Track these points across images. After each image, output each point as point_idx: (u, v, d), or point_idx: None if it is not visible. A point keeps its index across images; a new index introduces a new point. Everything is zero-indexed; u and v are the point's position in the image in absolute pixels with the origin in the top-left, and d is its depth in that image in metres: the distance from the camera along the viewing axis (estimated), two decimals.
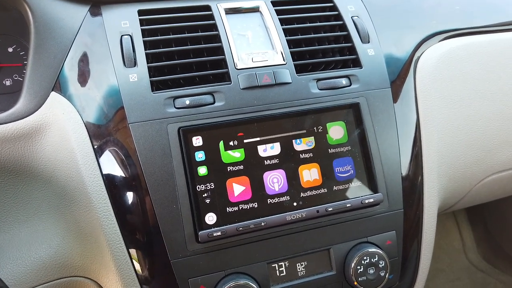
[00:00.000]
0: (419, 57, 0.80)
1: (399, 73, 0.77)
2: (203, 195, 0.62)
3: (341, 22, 0.78)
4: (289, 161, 0.66)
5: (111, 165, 0.62)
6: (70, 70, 0.65)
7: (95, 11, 0.69)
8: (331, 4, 0.80)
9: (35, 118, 0.61)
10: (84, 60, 0.65)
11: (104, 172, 0.61)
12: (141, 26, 0.69)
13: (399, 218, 0.71)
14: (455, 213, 1.61)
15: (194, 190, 0.61)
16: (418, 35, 0.83)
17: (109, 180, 0.61)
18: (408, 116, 0.75)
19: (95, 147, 0.62)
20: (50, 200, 0.64)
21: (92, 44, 0.66)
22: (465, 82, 0.81)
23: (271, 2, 0.77)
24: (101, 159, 0.62)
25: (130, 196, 0.61)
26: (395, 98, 0.75)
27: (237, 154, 0.64)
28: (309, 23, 0.78)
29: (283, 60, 0.71)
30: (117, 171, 0.61)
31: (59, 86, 0.64)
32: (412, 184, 0.73)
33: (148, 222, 0.61)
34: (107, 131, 0.62)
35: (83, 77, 0.64)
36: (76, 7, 0.68)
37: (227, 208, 0.62)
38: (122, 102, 0.62)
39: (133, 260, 0.62)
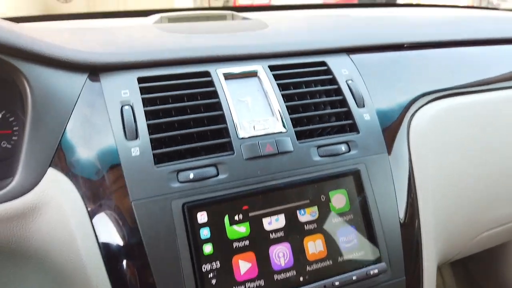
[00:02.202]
0: (410, 120, 0.83)
1: (394, 136, 0.79)
2: (209, 276, 0.59)
3: (336, 86, 0.79)
4: (294, 233, 0.65)
5: (112, 247, 0.59)
6: (69, 145, 0.62)
7: (93, 79, 0.67)
8: (325, 68, 0.82)
9: (31, 197, 0.58)
10: (83, 133, 0.63)
11: (104, 254, 0.58)
12: (141, 94, 0.67)
13: (401, 286, 0.71)
14: None
15: (200, 270, 0.59)
16: (407, 96, 0.86)
17: (110, 262, 0.58)
18: (404, 180, 0.77)
19: (96, 227, 0.59)
20: (43, 284, 0.60)
21: (91, 115, 0.64)
22: (456, 144, 0.83)
23: (269, 66, 0.78)
24: (102, 240, 0.59)
25: (133, 279, 0.58)
26: (392, 162, 0.76)
27: (243, 229, 0.63)
28: (305, 87, 0.79)
29: (284, 127, 0.71)
30: (119, 254, 0.58)
31: (57, 161, 0.61)
32: (412, 250, 0.74)
33: None
34: (108, 211, 0.59)
35: (82, 152, 0.62)
36: (75, 76, 0.66)
37: None
38: (124, 179, 0.60)
39: None
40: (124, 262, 0.58)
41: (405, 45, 0.92)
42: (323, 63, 0.82)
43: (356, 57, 0.86)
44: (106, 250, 0.58)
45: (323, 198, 0.68)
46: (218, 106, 0.70)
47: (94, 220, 0.59)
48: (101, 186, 0.60)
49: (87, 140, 0.62)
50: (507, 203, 0.88)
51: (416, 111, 0.84)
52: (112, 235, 0.59)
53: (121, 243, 0.59)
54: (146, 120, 0.65)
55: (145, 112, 0.66)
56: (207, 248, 0.60)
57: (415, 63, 0.91)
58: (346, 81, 0.81)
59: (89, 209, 0.59)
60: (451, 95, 0.89)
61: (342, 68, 0.82)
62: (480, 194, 0.84)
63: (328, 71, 0.81)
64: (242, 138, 0.68)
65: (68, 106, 0.64)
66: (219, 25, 0.96)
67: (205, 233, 0.61)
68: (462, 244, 0.85)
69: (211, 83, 0.72)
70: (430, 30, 1.01)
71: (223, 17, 1.15)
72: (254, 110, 0.73)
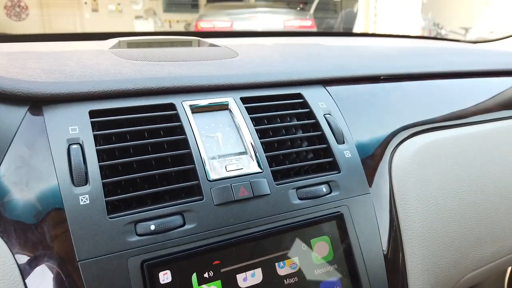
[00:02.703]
0: (392, 156, 0.77)
1: (376, 174, 0.73)
2: None
3: (313, 121, 0.73)
4: None
5: None
6: (1, 195, 0.51)
7: (35, 113, 0.57)
8: (302, 100, 0.75)
9: None
10: (19, 179, 0.52)
11: None
12: (93, 131, 0.57)
13: None
14: None
15: None
16: (387, 130, 0.81)
17: None
18: (387, 222, 0.70)
19: None
20: None
21: (30, 158, 0.53)
22: (438, 182, 0.79)
23: (241, 98, 0.70)
24: None
25: None
26: (375, 201, 0.70)
27: None
28: (280, 121, 0.72)
29: (259, 167, 0.63)
30: None
31: None
32: None
33: None
34: (48, 274, 0.48)
35: (17, 202, 0.51)
36: (11, 109, 0.55)
37: None
38: (70, 234, 0.49)
39: None
40: None
41: (382, 77, 0.88)
42: (299, 95, 0.76)
43: (332, 89, 0.81)
44: None
45: (304, 247, 0.61)
46: (184, 143, 0.61)
47: (29, 285, 0.48)
48: (40, 243, 0.49)
49: (23, 187, 0.51)
50: (492, 241, 0.83)
51: (397, 146, 0.80)
52: None
53: None
54: (99, 161, 0.55)
55: (98, 151, 0.56)
56: None
57: (393, 95, 0.87)
58: (324, 115, 0.75)
59: (23, 272, 0.48)
60: (431, 130, 0.85)
61: (319, 101, 0.76)
62: (464, 232, 0.79)
63: (305, 104, 0.75)
64: (212, 180, 0.59)
65: (1, 146, 0.53)
66: (184, 52, 0.89)
67: None
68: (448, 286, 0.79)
69: (176, 117, 0.64)
70: (405, 62, 0.98)
71: (188, 43, 1.08)
72: (225, 147, 0.65)
